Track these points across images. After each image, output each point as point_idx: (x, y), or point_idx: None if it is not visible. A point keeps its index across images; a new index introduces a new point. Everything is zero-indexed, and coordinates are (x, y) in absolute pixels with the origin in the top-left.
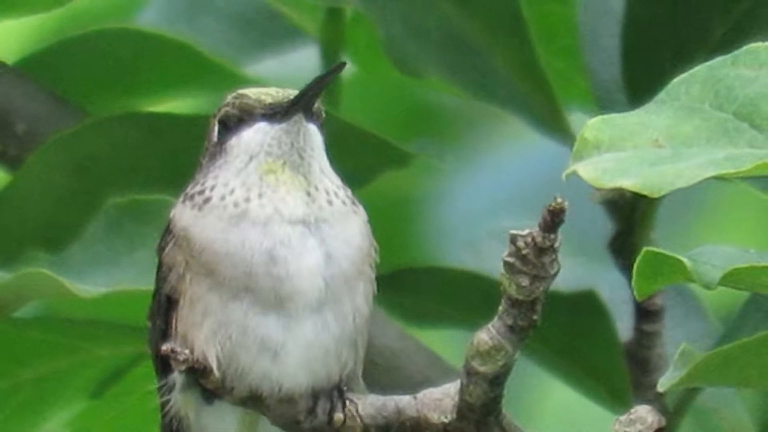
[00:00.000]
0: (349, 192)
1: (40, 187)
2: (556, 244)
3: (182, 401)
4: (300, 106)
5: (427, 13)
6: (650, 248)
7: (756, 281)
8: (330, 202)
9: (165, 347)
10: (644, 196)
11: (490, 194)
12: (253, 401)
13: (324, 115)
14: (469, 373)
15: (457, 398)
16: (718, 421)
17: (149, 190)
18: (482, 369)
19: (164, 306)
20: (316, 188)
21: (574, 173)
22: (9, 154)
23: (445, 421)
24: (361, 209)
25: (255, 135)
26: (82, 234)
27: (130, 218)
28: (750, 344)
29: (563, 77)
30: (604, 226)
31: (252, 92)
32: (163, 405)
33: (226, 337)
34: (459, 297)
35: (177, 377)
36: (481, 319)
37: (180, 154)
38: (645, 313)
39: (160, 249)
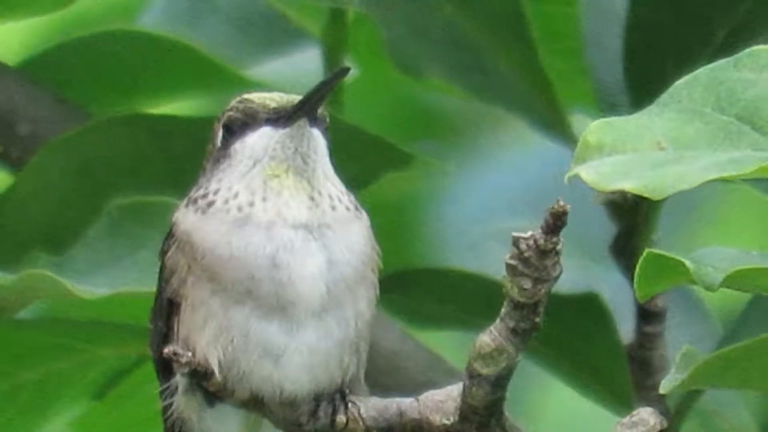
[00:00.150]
0: (353, 197)
1: (43, 188)
2: (559, 247)
3: (184, 404)
4: (304, 111)
5: (429, 15)
6: (652, 250)
7: (758, 283)
8: (333, 207)
9: (167, 350)
10: (646, 199)
11: (492, 196)
12: (255, 404)
13: (328, 119)
14: (472, 375)
15: (459, 400)
16: (720, 422)
17: (152, 191)
18: (484, 371)
19: (166, 309)
20: (320, 193)
21: (576, 176)
22: (12, 156)
23: (447, 423)
24: (364, 215)
25: (259, 140)
26: (85, 235)
27: (132, 220)
28: (752, 346)
29: (565, 79)
30: (606, 228)
31: (256, 97)
32: (166, 408)
33: (227, 341)
34: (461, 299)
35: (179, 380)
36: (483, 320)
37: (183, 156)
38: (647, 314)
39: (163, 252)
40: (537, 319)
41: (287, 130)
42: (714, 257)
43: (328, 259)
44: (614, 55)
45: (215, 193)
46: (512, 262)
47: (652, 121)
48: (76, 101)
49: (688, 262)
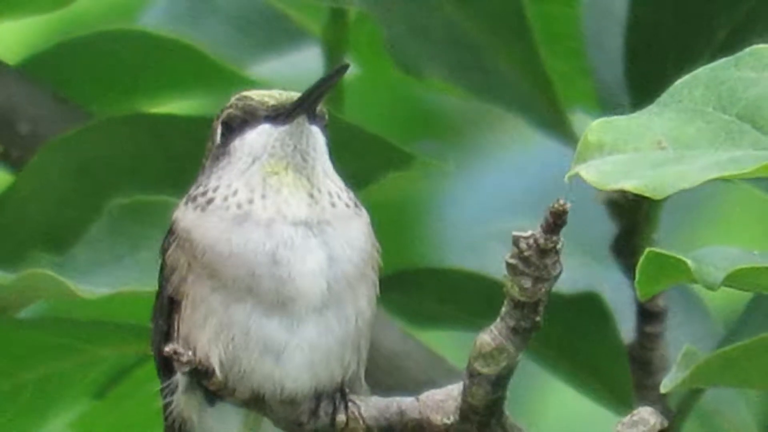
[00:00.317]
0: (352, 194)
1: (43, 188)
2: (559, 246)
3: (185, 403)
4: (303, 108)
5: (430, 14)
6: (653, 249)
7: (759, 282)
8: (333, 204)
9: (168, 348)
10: (647, 198)
11: (492, 195)
12: (256, 403)
13: (327, 117)
14: (472, 374)
15: (459, 400)
16: (720, 422)
17: (152, 191)
18: (485, 370)
19: (167, 307)
20: (319, 190)
21: (577, 175)
22: (12, 155)
23: (448, 422)
24: (364, 212)
25: (258, 137)
26: (85, 235)
27: (133, 219)
28: (753, 345)
29: (566, 78)
30: (607, 228)
31: (255, 94)
32: (166, 406)
33: (228, 339)
34: (461, 298)
35: (180, 379)
36: (483, 320)
37: (183, 156)
38: (647, 314)
39: (163, 250)
40: (537, 319)
41: (286, 127)
42: (715, 256)
43: (329, 255)
44: (615, 54)
45: (214, 190)
46: (512, 261)
47: (653, 121)
48: (77, 101)
49: (689, 261)
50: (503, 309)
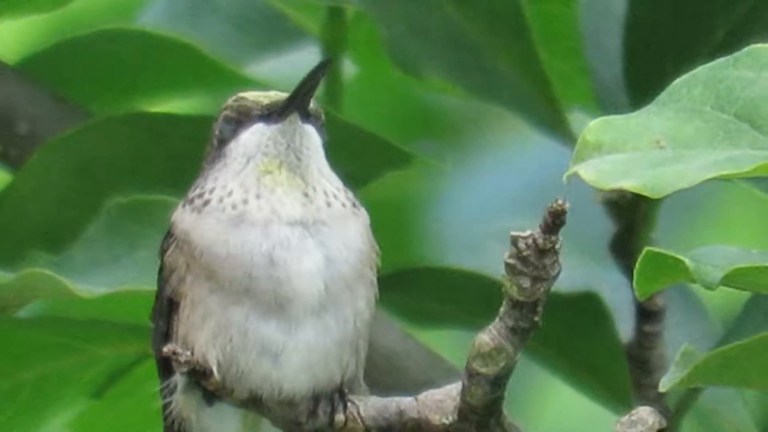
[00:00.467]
0: (350, 194)
1: (42, 187)
2: (557, 246)
3: (184, 403)
4: (293, 105)
5: (429, 14)
6: (651, 248)
7: (757, 281)
8: (329, 204)
9: (166, 348)
10: (645, 197)
11: (491, 195)
12: (254, 403)
13: (323, 116)
14: (471, 374)
15: (458, 399)
16: (719, 421)
17: (151, 190)
18: (483, 370)
19: (166, 308)
20: (314, 189)
21: (575, 175)
22: (11, 155)
23: (447, 422)
24: (362, 211)
25: (252, 136)
26: (84, 234)
27: (131, 219)
28: (751, 344)
29: (565, 78)
30: (605, 227)
31: (251, 95)
32: (165, 407)
33: (226, 340)
34: (460, 298)
35: (178, 379)
36: (482, 319)
37: (182, 155)
38: (646, 313)
39: (162, 251)
40: (536, 318)
41: (279, 125)
42: (713, 256)
43: (326, 256)
44: (613, 54)
45: (211, 192)
46: (511, 261)
47: (652, 120)
48: (76, 100)
49: (687, 261)
50: (502, 309)
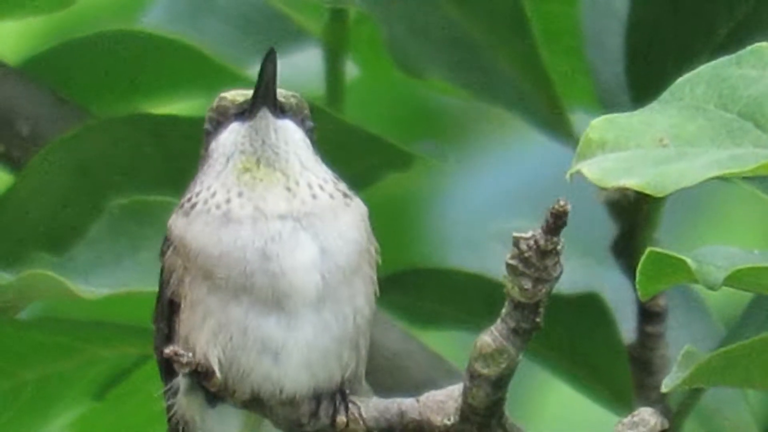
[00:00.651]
0: (342, 185)
1: (44, 188)
2: (559, 247)
3: (186, 404)
4: (259, 101)
5: (430, 14)
6: (654, 249)
7: (760, 282)
8: (314, 196)
9: (168, 350)
10: (648, 196)
11: (492, 195)
12: (256, 404)
13: (306, 109)
14: (472, 375)
15: (460, 401)
16: (721, 421)
17: (152, 191)
18: (485, 371)
19: (167, 309)
20: (297, 183)
21: (578, 173)
22: (12, 156)
23: (448, 423)
24: (355, 202)
25: (229, 135)
26: (86, 235)
27: (133, 219)
28: (753, 345)
29: (566, 77)
30: (607, 228)
31: (230, 94)
32: (168, 408)
33: (226, 339)
34: (462, 298)
35: (181, 381)
36: (484, 320)
37: (183, 156)
38: (648, 314)
39: (162, 254)
40: (538, 319)
41: (252, 122)
42: (716, 256)
43: (321, 248)
44: (615, 53)
45: (197, 195)
46: (513, 262)
47: (654, 118)
48: (77, 101)
49: (690, 261)
50: (504, 310)
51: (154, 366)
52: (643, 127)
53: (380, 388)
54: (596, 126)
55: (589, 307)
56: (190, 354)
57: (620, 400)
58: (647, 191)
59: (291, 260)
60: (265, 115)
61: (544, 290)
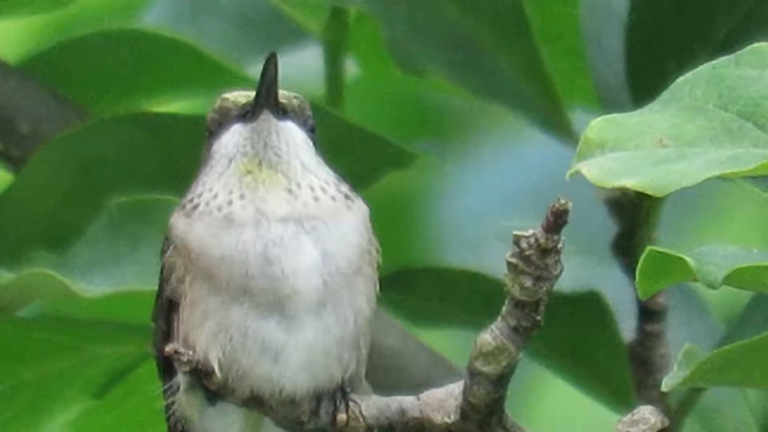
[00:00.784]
0: (344, 186)
1: (43, 187)
2: (560, 245)
3: (186, 403)
4: (261, 103)
5: (430, 13)
6: (654, 247)
7: (759, 281)
8: (316, 198)
9: (168, 348)
10: (648, 196)
11: (493, 194)
12: (256, 402)
13: (309, 110)
14: (473, 373)
15: (460, 399)
16: (721, 420)
17: (152, 190)
18: (485, 370)
19: (166, 308)
20: (299, 185)
21: (578, 173)
22: (12, 155)
23: (449, 421)
24: (357, 204)
25: (231, 137)
26: (85, 234)
27: (132, 218)
28: (753, 344)
29: (566, 77)
30: (608, 226)
31: (232, 95)
32: (168, 407)
33: (226, 339)
34: (462, 297)
35: (180, 379)
36: (484, 319)
37: (183, 155)
38: (648, 313)
39: (162, 253)
40: (538, 318)
41: (254, 124)
42: (716, 255)
43: (322, 251)
44: (615, 53)
45: (199, 196)
46: (513, 260)
47: (654, 118)
48: (77, 100)
49: (689, 260)
50: (504, 308)
51: (154, 365)
52: (642, 127)
53: (380, 387)
54: (596, 126)
55: (589, 306)
56: (191, 352)
57: (620, 399)
58: (647, 191)
59: (292, 264)
60: (267, 117)
61: (544, 288)
